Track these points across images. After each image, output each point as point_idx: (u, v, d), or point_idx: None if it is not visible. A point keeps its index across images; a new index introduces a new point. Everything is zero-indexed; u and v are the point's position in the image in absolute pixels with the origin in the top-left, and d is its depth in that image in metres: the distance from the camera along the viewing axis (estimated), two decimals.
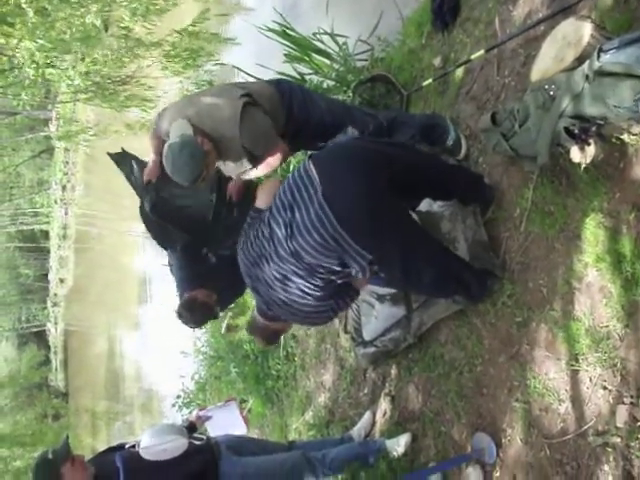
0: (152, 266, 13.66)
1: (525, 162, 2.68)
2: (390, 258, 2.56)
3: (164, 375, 10.42)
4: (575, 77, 2.12)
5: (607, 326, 2.36)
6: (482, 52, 3.14)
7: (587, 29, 2.21)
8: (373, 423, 3.72)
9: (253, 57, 5.41)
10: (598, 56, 2.00)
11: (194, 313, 3.31)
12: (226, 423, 3.58)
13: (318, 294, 2.58)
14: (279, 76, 3.95)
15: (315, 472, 3.28)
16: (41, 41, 5.83)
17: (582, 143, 2.15)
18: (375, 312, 3.69)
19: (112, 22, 7.49)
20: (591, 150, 2.17)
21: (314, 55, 4.40)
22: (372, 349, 3.66)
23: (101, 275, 20.00)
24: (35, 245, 23.81)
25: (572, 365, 2.46)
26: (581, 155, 2.21)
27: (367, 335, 3.75)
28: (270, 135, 2.89)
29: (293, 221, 2.45)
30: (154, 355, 12.72)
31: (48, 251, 23.03)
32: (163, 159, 2.74)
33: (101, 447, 12.96)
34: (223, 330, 5.80)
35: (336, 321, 4.27)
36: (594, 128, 2.12)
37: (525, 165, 2.69)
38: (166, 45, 7.48)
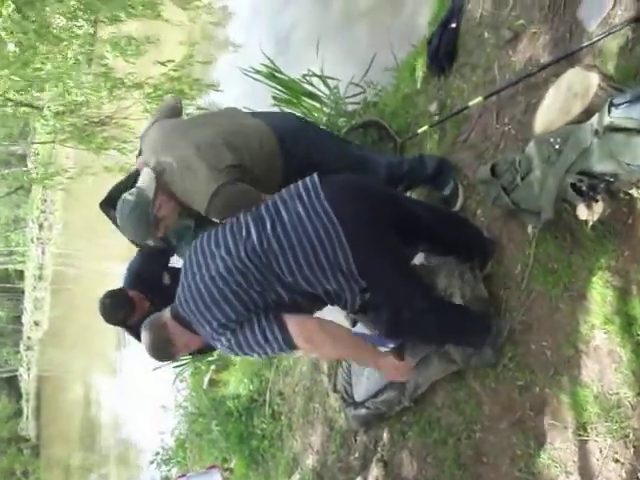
0: None
1: (527, 217, 2.55)
2: (384, 287, 2.37)
3: (142, 425, 10.07)
4: (583, 131, 2.02)
5: (617, 393, 2.20)
6: (480, 99, 3.05)
7: (594, 80, 2.12)
8: None
9: (241, 99, 5.32)
10: (609, 111, 1.90)
11: (116, 306, 3.19)
12: None
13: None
14: None
15: None
16: (15, 77, 5.66)
17: (590, 200, 2.03)
18: (366, 372, 3.51)
19: (93, 59, 7.38)
20: (599, 207, 2.05)
21: (304, 98, 4.30)
22: (363, 411, 3.46)
23: (78, 318, 19.45)
24: (9, 286, 23.25)
25: (580, 435, 2.29)
26: (588, 212, 2.09)
27: (358, 396, 3.55)
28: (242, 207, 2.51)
29: (283, 219, 2.25)
30: (132, 404, 12.32)
31: (23, 292, 22.49)
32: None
33: None
34: (205, 385, 5.56)
35: (325, 379, 4.07)
36: (603, 185, 2.01)
37: (527, 220, 2.56)
38: (147, 87, 7.37)
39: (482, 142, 3.14)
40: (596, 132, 1.96)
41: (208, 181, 2.54)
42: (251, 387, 5.21)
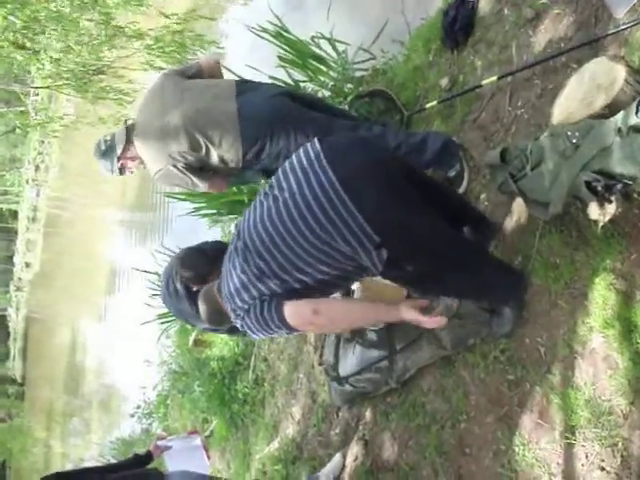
0: (123, 257, 13.34)
1: (533, 207, 2.44)
2: (401, 238, 2.10)
3: (127, 374, 10.08)
4: (605, 128, 1.90)
5: (610, 400, 2.13)
6: (494, 78, 2.91)
7: (621, 73, 1.98)
8: (343, 467, 3.46)
9: (245, 56, 5.14)
10: (637, 110, 1.78)
11: (202, 261, 3.22)
12: (186, 458, 3.31)
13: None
14: (271, 81, 3.67)
15: None
16: (12, 18, 5.46)
17: (603, 200, 1.93)
18: (354, 348, 3.43)
19: (94, 7, 7.10)
20: (612, 208, 1.95)
21: (310, 61, 4.13)
22: (348, 388, 3.40)
23: (69, 262, 19.41)
24: (2, 225, 23.10)
25: (567, 437, 2.23)
26: (600, 212, 1.98)
27: (343, 370, 3.48)
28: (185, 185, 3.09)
29: (285, 194, 2.12)
30: (118, 351, 12.34)
31: (16, 232, 22.35)
32: None
33: (55, 443, 12.55)
34: (190, 344, 5.50)
35: (311, 350, 4.02)
36: (620, 186, 1.89)
37: (533, 211, 2.45)
38: (148, 39, 7.15)
39: (492, 124, 3.01)
40: (619, 131, 1.84)
41: (154, 160, 2.99)
42: (236, 350, 5.16)
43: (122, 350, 10.80)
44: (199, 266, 3.12)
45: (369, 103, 3.66)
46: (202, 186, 3.06)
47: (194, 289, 3.21)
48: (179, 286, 3.26)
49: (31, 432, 14.88)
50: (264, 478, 4.26)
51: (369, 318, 2.51)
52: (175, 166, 2.94)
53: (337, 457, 3.50)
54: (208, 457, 3.49)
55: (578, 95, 2.14)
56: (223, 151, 2.90)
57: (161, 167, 2.98)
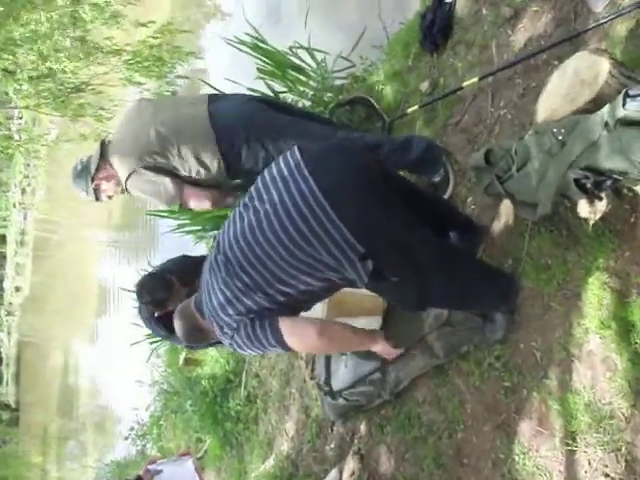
0: (112, 277, 13.24)
1: (521, 209, 2.38)
2: (386, 249, 2.05)
3: (120, 394, 9.94)
4: (590, 123, 1.84)
5: (610, 403, 2.06)
6: (475, 79, 2.87)
7: (605, 66, 1.93)
8: None
9: (227, 69, 5.08)
10: (624, 102, 1.72)
11: (156, 287, 3.18)
12: None
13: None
14: (248, 92, 3.61)
15: None
16: None
17: (593, 198, 1.86)
18: (345, 360, 3.35)
19: (73, 24, 7.01)
20: (602, 206, 1.89)
21: (289, 71, 4.08)
22: (341, 401, 3.32)
23: (59, 284, 19.27)
24: None
25: (568, 444, 2.15)
26: (590, 210, 1.93)
27: (335, 384, 3.39)
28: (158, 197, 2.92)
29: (266, 205, 2.04)
30: (111, 372, 12.19)
31: (4, 257, 22.13)
32: None
33: (51, 468, 12.37)
34: (180, 362, 5.40)
35: (302, 364, 3.93)
36: (609, 182, 1.83)
37: (521, 212, 2.39)
38: (126, 54, 7.04)
39: (475, 126, 2.96)
40: (606, 125, 1.78)
41: (126, 166, 2.85)
42: (227, 367, 5.06)
43: (115, 371, 10.67)
44: (156, 292, 3.10)
45: (350, 111, 3.61)
46: (174, 193, 2.87)
47: (156, 314, 3.16)
48: (144, 310, 3.21)
49: (26, 457, 14.62)
50: None
51: (357, 346, 2.64)
52: (146, 167, 2.82)
53: (333, 473, 3.41)
54: (201, 478, 3.39)
55: (561, 91, 2.08)
56: (201, 157, 2.80)
57: (132, 169, 2.85)
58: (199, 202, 2.98)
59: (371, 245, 1.97)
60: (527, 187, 2.25)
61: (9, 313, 21.82)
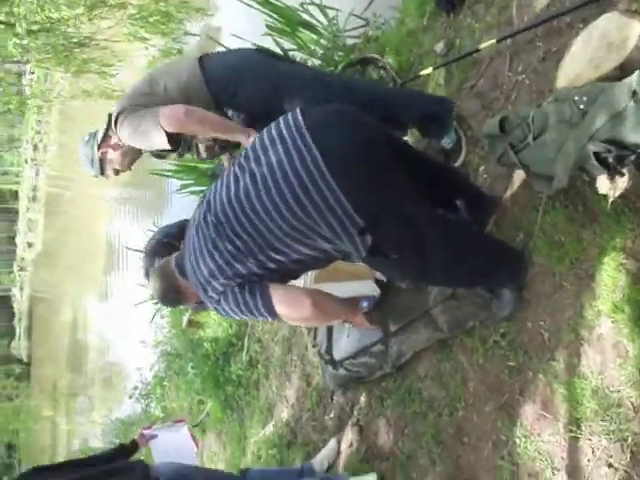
0: (122, 235, 13.25)
1: (536, 181, 2.25)
2: (388, 225, 1.93)
3: (128, 352, 10.00)
4: (617, 91, 1.69)
5: (619, 391, 1.95)
6: (493, 41, 2.70)
7: (635, 29, 1.77)
8: (337, 453, 3.32)
9: (237, 27, 4.91)
10: None
11: None
12: (173, 448, 3.17)
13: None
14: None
15: None
16: None
17: (614, 173, 1.72)
18: (347, 330, 3.26)
19: None
20: (623, 182, 1.75)
21: (299, 28, 3.91)
22: (342, 372, 3.24)
23: (71, 241, 19.34)
24: (3, 206, 22.92)
25: (572, 430, 2.06)
26: (610, 186, 1.79)
27: (337, 353, 3.32)
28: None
29: (264, 169, 1.91)
30: (119, 329, 12.27)
31: (17, 213, 22.18)
32: None
33: (61, 421, 12.56)
34: (184, 324, 5.34)
35: (305, 332, 3.85)
36: (633, 158, 1.69)
37: (535, 184, 2.26)
38: (131, 7, 6.78)
39: (491, 91, 2.81)
40: (634, 94, 1.63)
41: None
42: (230, 331, 5.00)
43: (123, 329, 10.72)
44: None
45: (361, 71, 3.46)
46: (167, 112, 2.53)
47: None
48: None
49: (37, 411, 14.88)
50: (259, 462, 4.14)
51: (343, 318, 2.52)
52: (136, 104, 2.62)
53: (331, 443, 3.36)
54: (197, 445, 3.35)
55: (585, 56, 1.92)
56: (188, 91, 2.61)
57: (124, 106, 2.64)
58: (193, 117, 2.53)
59: (372, 219, 1.86)
60: (543, 158, 2.11)
61: (21, 268, 22.02)
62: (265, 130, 2.02)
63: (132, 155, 2.83)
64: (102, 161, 2.80)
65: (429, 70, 3.05)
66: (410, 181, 2.03)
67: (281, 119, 2.00)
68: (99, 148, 2.78)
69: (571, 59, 2.01)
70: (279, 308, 2.05)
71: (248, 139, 2.50)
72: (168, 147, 2.62)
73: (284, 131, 1.93)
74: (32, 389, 18.41)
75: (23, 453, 16.65)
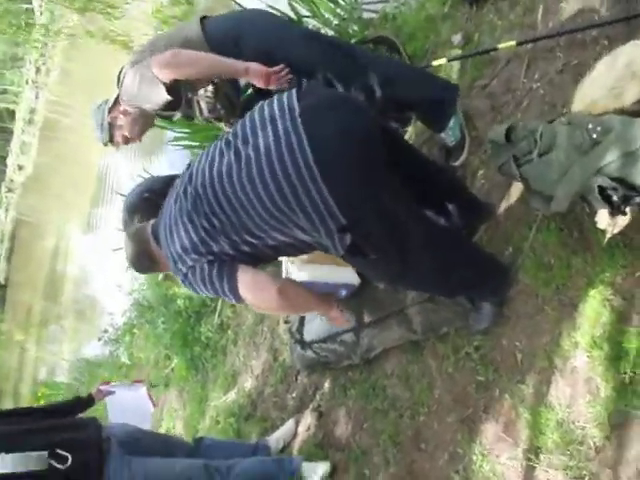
0: (113, 171, 13.09)
1: (534, 198, 2.16)
2: (371, 227, 1.85)
3: (104, 290, 9.94)
4: (634, 129, 1.59)
5: (583, 428, 1.91)
6: (513, 43, 2.58)
7: None
8: (294, 435, 3.29)
9: None
10: None
11: None
12: (130, 407, 3.12)
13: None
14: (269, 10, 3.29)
15: None
16: None
17: (616, 211, 1.64)
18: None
19: None
20: (624, 221, 1.67)
21: None
22: (310, 354, 3.19)
23: (63, 169, 19.11)
24: None
25: (530, 459, 2.02)
26: (609, 222, 1.71)
27: (307, 335, 3.26)
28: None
29: (249, 150, 1.82)
30: (99, 266, 12.19)
31: (11, 133, 21.83)
32: None
33: (31, 347, 12.54)
34: (160, 277, 5.25)
35: None
36: (639, 199, 1.60)
37: (533, 201, 2.17)
38: None
39: (503, 94, 2.69)
40: None
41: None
42: None
43: (101, 267, 10.64)
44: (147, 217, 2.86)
45: (373, 50, 3.31)
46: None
47: None
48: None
49: (8, 337, 14.84)
50: (216, 428, 4.11)
51: (314, 310, 2.37)
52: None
53: (289, 423, 3.33)
54: (154, 405, 3.31)
55: (607, 82, 1.81)
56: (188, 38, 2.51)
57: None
58: (183, 58, 2.40)
59: (355, 219, 1.78)
60: (545, 177, 2.02)
61: (10, 190, 21.79)
62: (257, 108, 1.91)
63: (142, 123, 2.72)
64: (111, 126, 2.70)
65: (442, 61, 2.92)
66: (400, 181, 1.94)
67: (275, 99, 1.90)
68: (109, 113, 2.68)
69: (591, 83, 1.90)
70: (244, 292, 1.96)
71: (248, 74, 2.39)
72: (168, 98, 2.50)
73: (276, 113, 1.83)
74: (6, 313, 18.39)
75: None
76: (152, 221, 2.20)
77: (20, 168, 21.28)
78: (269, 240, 1.91)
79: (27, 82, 19.59)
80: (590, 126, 1.73)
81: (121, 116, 2.67)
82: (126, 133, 2.72)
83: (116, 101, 2.65)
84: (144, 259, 2.23)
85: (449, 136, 2.74)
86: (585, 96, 1.89)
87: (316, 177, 1.71)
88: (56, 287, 16.65)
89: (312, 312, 2.49)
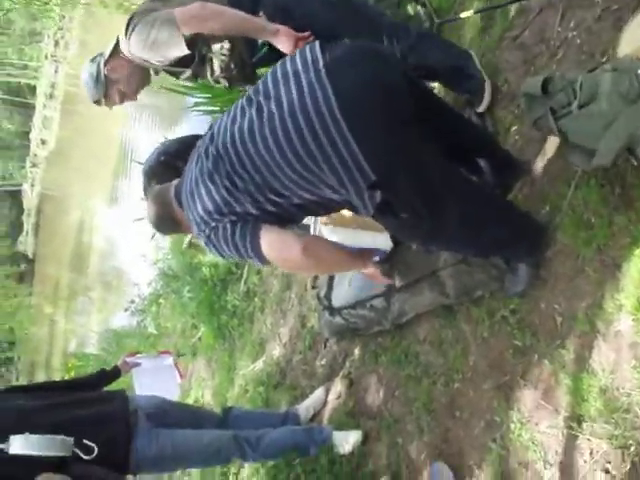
0: (135, 142, 13.09)
1: (573, 153, 2.03)
2: (402, 183, 1.74)
3: (131, 262, 10.00)
4: None
5: (629, 395, 1.80)
6: None
7: None
8: (324, 403, 3.25)
9: None
10: None
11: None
12: (157, 379, 3.10)
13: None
14: None
15: (244, 456, 2.83)
16: None
17: None
18: (350, 278, 3.12)
19: None
20: None
21: None
22: (339, 320, 3.12)
23: (85, 142, 19.19)
24: (20, 100, 22.63)
25: (572, 427, 1.92)
26: None
27: (336, 301, 3.19)
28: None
29: (272, 105, 1.72)
30: (125, 237, 12.26)
31: (33, 108, 21.91)
32: None
33: (60, 320, 12.74)
34: (185, 245, 5.22)
35: None
36: None
37: (572, 157, 2.05)
38: None
39: (536, 45, 2.54)
40: None
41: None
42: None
43: (126, 239, 10.68)
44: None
45: (397, 4, 3.16)
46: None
47: None
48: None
49: (37, 311, 15.10)
50: (245, 397, 4.10)
51: (347, 268, 2.28)
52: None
53: (319, 391, 3.29)
54: (181, 376, 3.28)
55: None
56: None
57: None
58: (211, 10, 2.25)
59: (385, 174, 1.67)
60: (587, 130, 1.89)
61: (34, 165, 21.97)
62: (279, 64, 1.81)
63: (139, 78, 2.60)
64: (107, 80, 2.55)
65: (470, 13, 2.77)
66: (431, 135, 1.83)
67: (298, 52, 1.79)
68: (105, 65, 2.54)
69: (639, 24, 1.77)
70: (267, 251, 1.88)
71: (278, 37, 2.26)
72: (186, 52, 2.37)
73: (299, 67, 1.73)
74: (35, 287, 18.68)
75: (21, 350, 17.04)
76: (175, 182, 2.13)
77: (43, 143, 21.42)
78: (295, 198, 1.82)
79: (46, 57, 19.60)
80: (639, 71, 1.60)
81: (118, 69, 2.52)
82: (122, 87, 2.58)
83: (114, 52, 2.50)
84: (167, 221, 2.17)
85: (469, 85, 2.63)
86: (632, 40, 1.75)
87: (342, 128, 1.61)
88: (82, 260, 16.86)
89: (345, 270, 2.38)
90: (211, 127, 1.98)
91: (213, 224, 1.89)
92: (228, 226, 1.88)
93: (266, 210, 1.85)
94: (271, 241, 1.87)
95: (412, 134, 1.74)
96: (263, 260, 1.92)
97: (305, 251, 1.89)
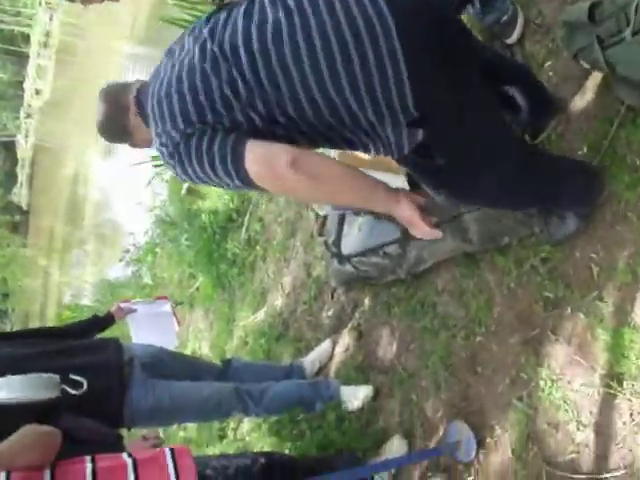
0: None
1: (622, 86, 1.84)
2: (445, 122, 1.49)
3: (127, 212, 9.80)
4: None
5: None
6: None
7: None
8: (331, 356, 3.10)
9: None
10: None
11: None
12: (153, 326, 2.94)
13: None
14: None
15: (247, 411, 2.68)
16: None
17: None
18: (360, 223, 2.91)
19: None
20: None
21: None
22: (349, 268, 2.93)
23: (81, 92, 18.74)
24: (13, 48, 22.04)
25: (610, 386, 1.78)
26: None
27: (345, 248, 2.98)
28: None
29: (305, 4, 1.44)
30: (120, 188, 12.03)
31: (27, 57, 21.37)
32: None
33: (54, 272, 12.58)
34: (183, 192, 5.01)
35: (312, 217, 3.53)
36: None
37: (620, 90, 1.85)
38: None
39: None
40: None
41: None
42: (231, 205, 4.62)
43: (122, 188, 10.45)
44: None
45: None
46: None
47: None
48: None
49: (32, 262, 14.94)
50: (245, 349, 3.95)
51: (360, 197, 1.65)
52: None
53: (326, 344, 3.14)
54: (178, 323, 3.12)
55: None
56: None
57: None
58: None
59: (431, 110, 1.43)
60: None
61: (28, 115, 21.53)
62: None
63: None
64: None
65: None
66: (475, 74, 1.61)
67: None
68: None
69: None
70: (251, 164, 1.48)
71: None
72: None
73: None
74: (29, 239, 18.50)
75: (15, 301, 16.91)
76: (137, 83, 1.75)
77: (37, 93, 20.96)
78: (304, 126, 1.51)
79: (40, 3, 19.02)
80: None
81: None
82: None
83: None
84: (116, 126, 1.77)
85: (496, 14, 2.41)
86: None
87: (396, 49, 1.37)
88: (77, 211, 16.64)
89: (361, 198, 1.67)
90: (208, 20, 1.60)
91: (189, 131, 1.53)
92: (206, 136, 1.52)
93: (263, 129, 1.52)
94: (256, 151, 1.50)
95: (461, 66, 1.51)
96: (243, 176, 1.51)
97: (294, 164, 1.47)
